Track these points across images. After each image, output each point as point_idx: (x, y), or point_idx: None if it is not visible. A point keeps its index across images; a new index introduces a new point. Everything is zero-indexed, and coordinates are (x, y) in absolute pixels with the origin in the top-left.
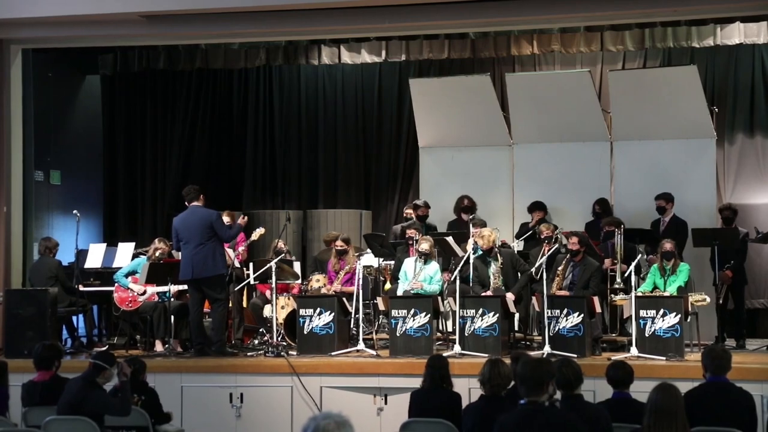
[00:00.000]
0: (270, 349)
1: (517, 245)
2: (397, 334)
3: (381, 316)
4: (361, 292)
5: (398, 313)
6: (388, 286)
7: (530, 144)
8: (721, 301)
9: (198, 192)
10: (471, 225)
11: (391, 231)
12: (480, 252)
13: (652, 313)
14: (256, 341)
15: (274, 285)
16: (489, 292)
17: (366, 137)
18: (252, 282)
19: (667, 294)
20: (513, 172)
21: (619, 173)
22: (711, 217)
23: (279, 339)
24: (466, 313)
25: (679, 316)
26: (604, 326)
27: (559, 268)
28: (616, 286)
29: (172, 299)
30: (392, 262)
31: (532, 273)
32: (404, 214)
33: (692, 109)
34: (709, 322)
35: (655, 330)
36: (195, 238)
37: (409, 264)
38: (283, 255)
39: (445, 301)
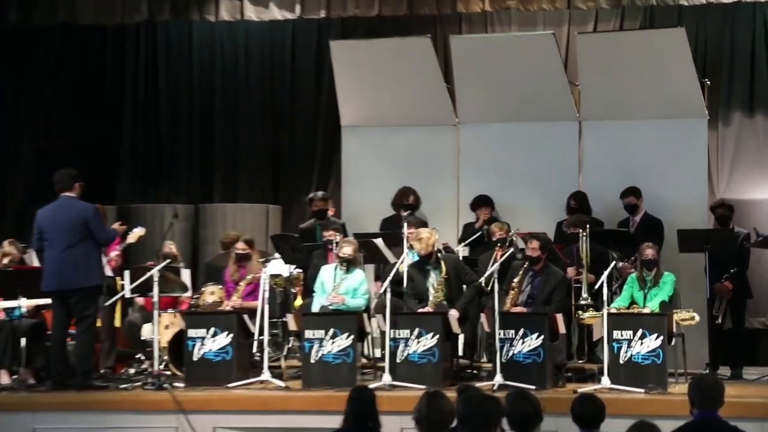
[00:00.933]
0: (150, 380)
1: (463, 250)
2: (312, 361)
3: (292, 338)
4: (266, 307)
5: (313, 335)
6: (299, 301)
7: (480, 124)
8: (720, 320)
9: (73, 179)
10: (405, 225)
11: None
12: (417, 258)
13: (628, 334)
14: (132, 370)
15: (156, 298)
16: (427, 308)
17: (275, 114)
18: (128, 295)
19: (647, 311)
20: (459, 159)
21: (589, 160)
22: (702, 215)
23: (162, 367)
24: (399, 335)
25: (662, 338)
26: (569, 351)
27: (515, 279)
28: (583, 301)
29: (23, 317)
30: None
31: (481, 284)
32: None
33: (679, 82)
34: (698, 346)
35: (632, 355)
36: (63, 239)
37: (327, 273)
38: (169, 261)
39: (373, 319)
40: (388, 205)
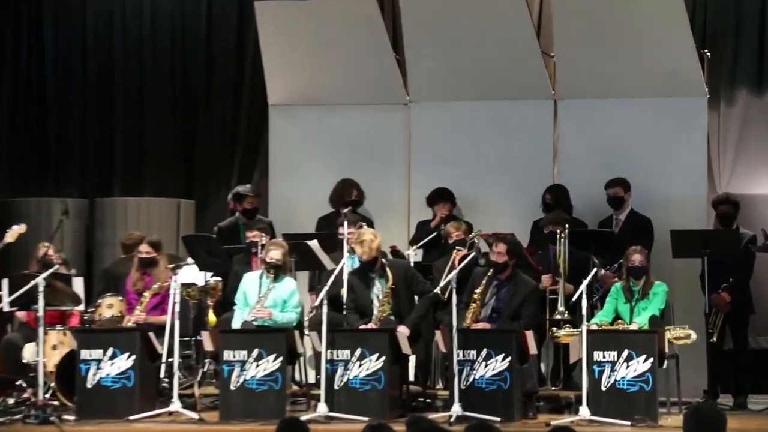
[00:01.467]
0: (33, 411)
1: (415, 254)
2: (232, 388)
3: (207, 361)
4: (177, 323)
5: (234, 356)
6: (212, 318)
7: (436, 103)
8: (714, 339)
9: None
10: (344, 224)
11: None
12: (359, 264)
13: (611, 355)
14: (11, 400)
15: (41, 313)
16: (372, 325)
17: (188, 92)
18: (6, 309)
19: (633, 327)
20: (410, 145)
21: (567, 147)
22: (700, 213)
23: (48, 396)
24: (337, 356)
25: (652, 360)
26: (541, 375)
27: (477, 290)
28: (558, 315)
29: None
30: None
31: (436, 296)
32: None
33: (674, 54)
34: (695, 370)
35: (616, 381)
36: None
37: (251, 281)
38: (56, 267)
39: (306, 338)
40: (325, 201)
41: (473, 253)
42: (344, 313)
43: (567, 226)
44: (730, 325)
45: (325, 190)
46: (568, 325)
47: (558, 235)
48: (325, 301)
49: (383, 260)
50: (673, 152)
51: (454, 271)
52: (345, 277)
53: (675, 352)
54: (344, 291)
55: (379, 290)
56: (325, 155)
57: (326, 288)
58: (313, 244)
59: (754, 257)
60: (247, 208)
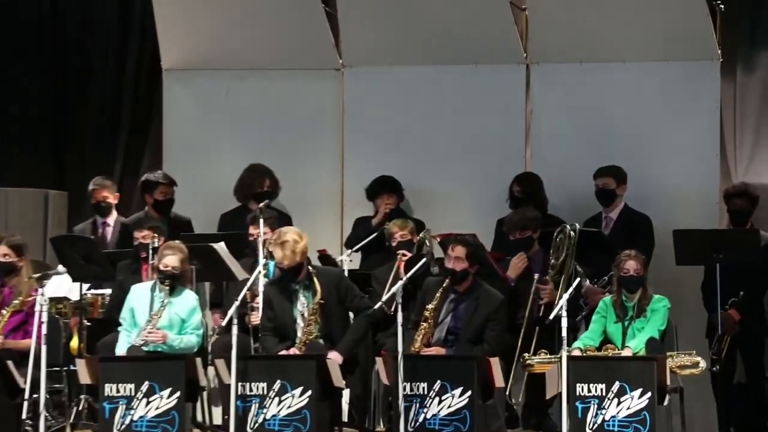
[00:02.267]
0: None
1: (350, 260)
2: (117, 430)
3: (83, 397)
4: (44, 348)
5: (118, 391)
6: (74, 343)
7: (376, 68)
8: (716, 367)
9: None
10: (259, 222)
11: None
12: (278, 273)
13: (599, 389)
14: None
15: None
16: (294, 350)
17: (60, 56)
18: None
19: (627, 353)
20: (342, 121)
21: (542, 123)
22: (711, 209)
23: None
24: (251, 390)
25: (650, 394)
26: (510, 414)
27: (429, 306)
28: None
29: None
30: (107, 291)
31: (376, 313)
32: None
33: (677, 6)
34: (704, 407)
35: (604, 421)
36: None
37: (140, 295)
38: None
39: (210, 367)
40: (230, 193)
41: (424, 259)
42: (259, 335)
43: (537, 230)
44: (741, 351)
45: (235, 178)
46: (543, 351)
47: (531, 239)
48: (235, 321)
49: (309, 268)
50: (678, 131)
51: (400, 282)
52: (260, 289)
53: (679, 385)
54: (259, 307)
55: (303, 306)
56: (235, 134)
57: (236, 304)
58: (220, 247)
59: None
60: (159, 199)
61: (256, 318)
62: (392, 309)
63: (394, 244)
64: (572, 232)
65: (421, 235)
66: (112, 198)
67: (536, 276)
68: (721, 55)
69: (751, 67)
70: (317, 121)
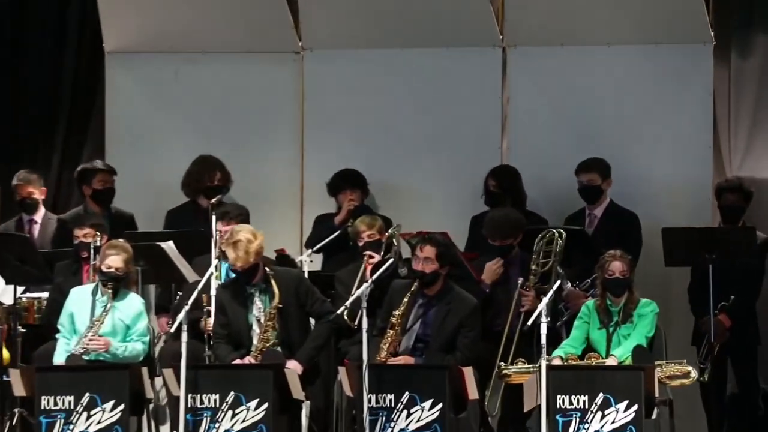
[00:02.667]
0: None
1: (310, 261)
2: None
3: (18, 410)
4: None
5: (56, 404)
6: (6, 354)
7: (339, 51)
8: (705, 377)
9: None
10: (213, 218)
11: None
12: (232, 275)
13: (581, 401)
14: None
15: None
16: (250, 359)
17: None
18: None
19: (612, 362)
20: (302, 108)
21: (519, 111)
22: (703, 205)
23: None
24: (202, 403)
25: (636, 407)
26: (486, 427)
27: (396, 311)
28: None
29: None
30: (44, 295)
31: (340, 318)
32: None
33: None
34: (695, 420)
35: None
36: None
37: (80, 299)
38: None
39: (157, 378)
40: (177, 187)
41: (391, 260)
42: (212, 343)
43: (519, 236)
44: (732, 360)
45: (183, 170)
46: (521, 359)
47: (511, 245)
48: (185, 327)
49: (266, 269)
50: (668, 121)
51: (365, 285)
52: (213, 292)
53: (668, 397)
54: (212, 312)
55: (260, 311)
56: (184, 122)
57: (186, 308)
58: (168, 247)
59: (765, 268)
60: (98, 188)
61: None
62: (357, 321)
63: (360, 243)
64: (560, 240)
65: (390, 231)
66: (38, 193)
67: (520, 281)
68: (714, 38)
69: (746, 51)
70: (275, 109)
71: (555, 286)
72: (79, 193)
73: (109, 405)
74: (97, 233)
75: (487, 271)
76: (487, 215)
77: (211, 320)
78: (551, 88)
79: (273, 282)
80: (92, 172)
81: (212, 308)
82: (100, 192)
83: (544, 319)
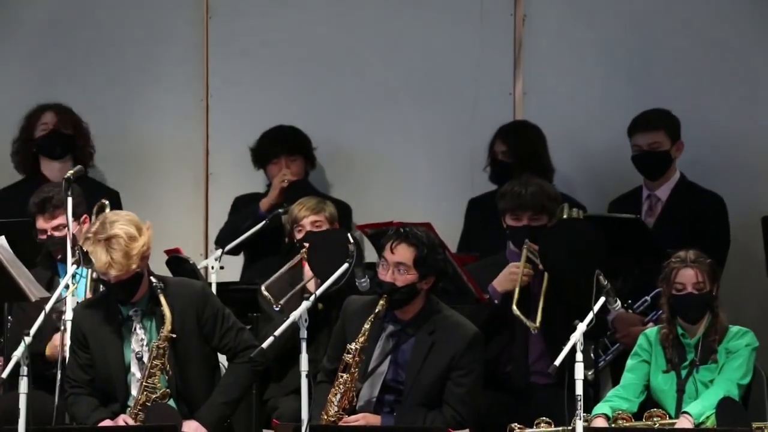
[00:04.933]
0: None
1: (220, 267)
2: None
3: None
4: None
5: None
6: None
7: None
8: None
9: None
10: (68, 200)
11: None
12: (101, 290)
13: None
14: None
15: None
16: (125, 418)
17: None
18: None
19: (686, 424)
20: (207, 36)
21: (540, 38)
22: None
23: None
24: None
25: None
26: None
27: (353, 343)
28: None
29: None
30: None
31: (266, 355)
32: None
33: None
34: None
35: None
36: None
37: None
38: None
39: None
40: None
41: (345, 265)
42: (66, 394)
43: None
44: None
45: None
46: (544, 419)
47: (526, 228)
48: (25, 370)
49: (152, 280)
50: (763, 55)
51: (305, 303)
52: (67, 317)
53: None
54: (66, 343)
55: (142, 345)
56: (44, 61)
57: (27, 339)
58: None
59: None
60: None
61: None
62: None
63: (299, 236)
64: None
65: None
66: None
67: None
68: None
69: None
70: (169, 37)
71: (596, 307)
72: None
73: None
74: None
75: (504, 276)
76: (500, 190)
77: (65, 339)
78: (589, 1)
79: (163, 300)
80: None
81: (66, 338)
82: None
83: (579, 357)
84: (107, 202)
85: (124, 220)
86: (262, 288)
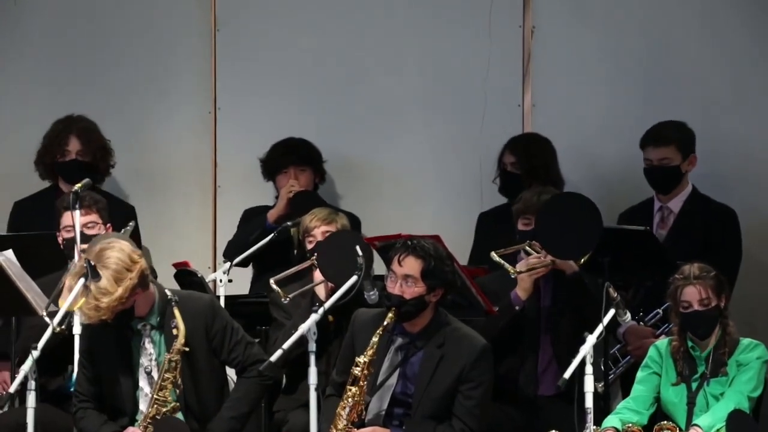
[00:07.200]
0: None
1: (229, 280)
2: None
3: None
4: None
5: None
6: None
7: None
8: None
9: None
10: (75, 211)
11: None
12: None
13: None
14: None
15: None
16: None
17: None
18: None
19: None
20: (215, 45)
21: (549, 49)
22: None
23: None
24: None
25: None
26: None
27: (361, 358)
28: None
29: None
30: None
31: (276, 369)
32: None
33: None
34: None
35: None
36: None
37: None
38: None
39: None
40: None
41: (354, 277)
42: (74, 409)
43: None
44: None
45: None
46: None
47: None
48: (32, 384)
49: (169, 294)
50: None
51: (314, 316)
52: (76, 331)
53: None
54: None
55: (151, 359)
56: (43, 68)
57: (34, 355)
58: (6, 259)
59: None
60: None
61: None
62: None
63: (310, 246)
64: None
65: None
66: None
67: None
68: None
69: None
70: (176, 49)
71: (606, 319)
72: None
73: None
74: None
75: (522, 280)
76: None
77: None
78: (598, 12)
79: (177, 314)
80: None
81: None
82: None
83: (589, 369)
84: (131, 227)
85: (107, 268)
86: (271, 280)
